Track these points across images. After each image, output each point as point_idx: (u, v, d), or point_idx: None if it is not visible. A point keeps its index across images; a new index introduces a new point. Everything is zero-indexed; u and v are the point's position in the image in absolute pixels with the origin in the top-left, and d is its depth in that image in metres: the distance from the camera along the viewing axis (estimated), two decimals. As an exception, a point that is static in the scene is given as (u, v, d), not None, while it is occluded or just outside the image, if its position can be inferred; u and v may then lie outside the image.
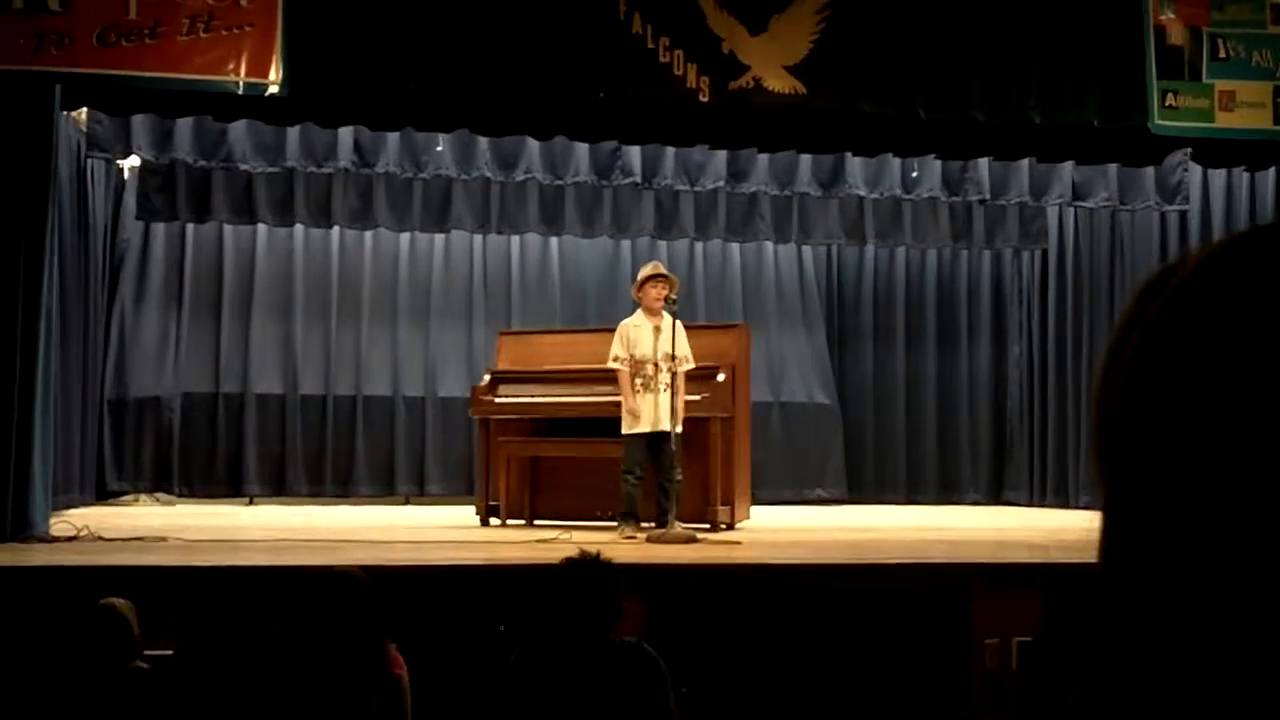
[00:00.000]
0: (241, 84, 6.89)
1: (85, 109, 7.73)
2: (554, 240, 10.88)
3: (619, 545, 6.52)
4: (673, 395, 7.11)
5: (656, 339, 7.22)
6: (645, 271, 7.49)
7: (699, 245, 11.09)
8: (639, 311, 7.44)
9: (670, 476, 7.07)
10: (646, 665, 3.73)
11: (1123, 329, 0.59)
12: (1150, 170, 8.87)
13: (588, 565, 3.78)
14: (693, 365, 7.38)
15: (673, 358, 7.19)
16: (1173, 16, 7.78)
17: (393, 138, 8.46)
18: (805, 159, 9.03)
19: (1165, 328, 0.56)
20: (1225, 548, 0.53)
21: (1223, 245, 0.58)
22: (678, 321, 7.40)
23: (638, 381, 7.25)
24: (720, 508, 7.65)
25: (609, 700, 3.67)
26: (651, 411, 7.15)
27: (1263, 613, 0.52)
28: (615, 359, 7.33)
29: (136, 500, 10.15)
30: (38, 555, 5.88)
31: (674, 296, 7.30)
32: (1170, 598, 0.55)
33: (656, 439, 7.14)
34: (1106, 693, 0.58)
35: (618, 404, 7.40)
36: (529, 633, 3.86)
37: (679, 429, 7.18)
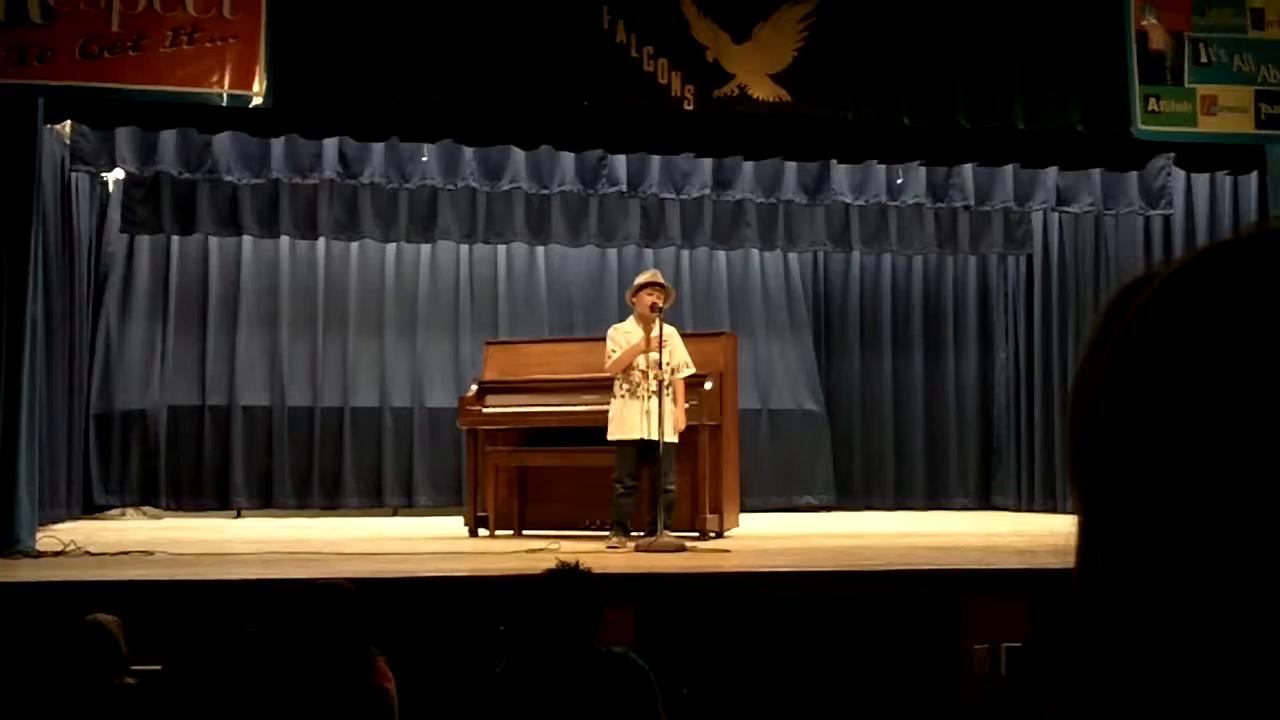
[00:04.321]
0: (226, 96, 6.88)
1: (69, 122, 7.71)
2: (540, 249, 10.88)
3: (608, 554, 6.52)
4: (660, 402, 7.07)
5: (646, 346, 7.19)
6: (642, 278, 7.43)
7: (685, 253, 11.10)
8: (631, 318, 7.42)
9: (663, 485, 7.06)
10: (634, 675, 3.73)
11: (1094, 342, 0.59)
12: (1134, 175, 8.90)
13: (568, 575, 3.79)
14: (692, 370, 7.37)
15: (660, 365, 7.16)
16: (1154, 22, 7.82)
17: (378, 148, 8.45)
18: (791, 166, 9.05)
19: (1137, 341, 0.57)
20: (1199, 555, 0.53)
21: (1198, 254, 0.58)
22: (673, 329, 7.40)
23: (624, 388, 7.23)
24: (709, 515, 7.65)
25: (596, 710, 3.67)
26: (639, 419, 7.13)
27: (1238, 619, 0.52)
28: (612, 352, 7.30)
29: (123, 514, 10.11)
30: (24, 570, 5.84)
31: (663, 306, 7.25)
32: (1144, 604, 0.55)
33: (648, 447, 7.12)
34: (1087, 700, 0.58)
35: (605, 413, 7.38)
36: (515, 643, 3.86)
37: (673, 438, 7.17)
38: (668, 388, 7.16)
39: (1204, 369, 0.54)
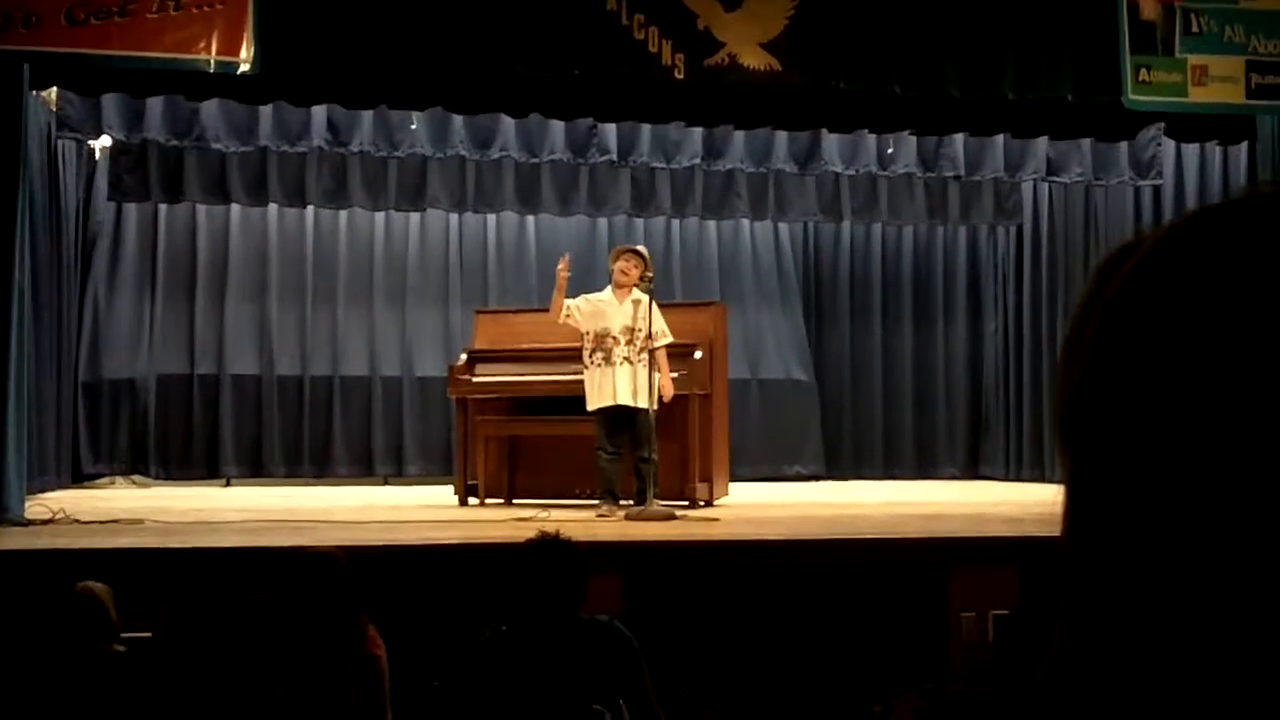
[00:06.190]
0: (213, 62, 6.83)
1: (55, 89, 7.65)
2: (530, 219, 10.85)
3: (597, 523, 6.54)
4: (634, 370, 7.11)
5: (618, 313, 7.23)
6: (614, 260, 7.52)
7: (676, 223, 11.08)
8: (609, 287, 7.44)
9: (644, 454, 7.07)
10: (618, 643, 3.75)
11: (1083, 306, 0.59)
12: (1124, 145, 8.89)
13: (550, 546, 3.80)
14: (670, 340, 7.38)
15: (632, 330, 7.18)
16: (1146, -9, 7.79)
17: (367, 116, 8.41)
18: (781, 136, 9.02)
19: (1126, 304, 0.57)
20: (1188, 519, 0.53)
21: (1188, 218, 0.58)
22: (651, 299, 7.40)
23: (599, 355, 7.25)
24: (699, 485, 7.67)
25: (581, 678, 3.69)
26: (610, 385, 7.16)
27: (1223, 586, 0.52)
28: (567, 314, 7.34)
29: (112, 483, 10.11)
30: (13, 539, 5.84)
31: (650, 274, 7.28)
32: (1132, 570, 0.55)
33: (627, 415, 7.14)
34: (1073, 667, 0.58)
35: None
36: (502, 615, 3.88)
37: (653, 406, 7.18)
38: (640, 354, 7.17)
39: (1194, 331, 0.54)
